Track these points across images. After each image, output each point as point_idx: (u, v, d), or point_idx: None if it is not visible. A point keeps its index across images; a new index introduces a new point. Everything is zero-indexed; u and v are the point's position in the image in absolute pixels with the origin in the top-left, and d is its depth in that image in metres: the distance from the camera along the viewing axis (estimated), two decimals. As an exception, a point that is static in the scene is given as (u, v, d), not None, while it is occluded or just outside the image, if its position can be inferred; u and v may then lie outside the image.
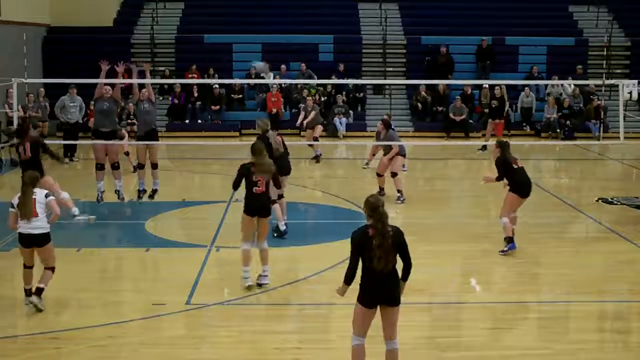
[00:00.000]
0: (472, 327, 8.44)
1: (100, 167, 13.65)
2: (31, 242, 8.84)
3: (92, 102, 13.94)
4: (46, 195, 8.94)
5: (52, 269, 8.96)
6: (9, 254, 11.01)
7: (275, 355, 7.68)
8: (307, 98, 21.47)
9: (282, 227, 11.66)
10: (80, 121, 19.60)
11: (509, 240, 11.18)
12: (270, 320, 8.71)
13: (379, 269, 6.56)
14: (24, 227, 8.80)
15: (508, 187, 11.21)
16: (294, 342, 7.97)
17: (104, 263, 10.62)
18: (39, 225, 8.78)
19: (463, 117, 23.52)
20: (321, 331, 8.29)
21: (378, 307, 6.78)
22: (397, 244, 6.71)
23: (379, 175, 14.59)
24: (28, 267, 9.03)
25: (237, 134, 23.59)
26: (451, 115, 23.64)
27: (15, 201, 8.88)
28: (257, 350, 7.76)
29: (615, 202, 14.45)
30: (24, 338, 8.05)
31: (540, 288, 9.96)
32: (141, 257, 10.92)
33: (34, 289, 8.85)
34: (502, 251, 11.12)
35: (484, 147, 20.87)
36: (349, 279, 6.79)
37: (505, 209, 11.22)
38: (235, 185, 9.55)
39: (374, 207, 6.78)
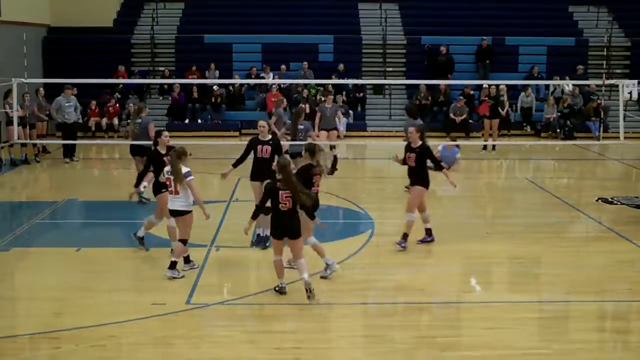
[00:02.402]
0: (472, 327, 8.43)
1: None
2: (173, 212, 9.78)
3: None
4: (186, 175, 9.48)
5: (184, 242, 9.75)
6: (9, 254, 11.02)
7: (275, 355, 7.67)
8: (327, 98, 18.83)
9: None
10: (81, 121, 19.52)
11: (406, 236, 11.18)
12: (270, 320, 8.70)
13: (304, 203, 8.94)
14: (169, 199, 9.77)
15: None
16: (294, 342, 7.97)
17: (104, 263, 10.61)
18: (178, 201, 9.63)
19: (463, 117, 23.52)
20: (321, 331, 8.29)
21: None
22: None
23: None
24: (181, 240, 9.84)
25: (237, 134, 23.59)
26: (451, 115, 23.65)
27: (165, 171, 9.82)
28: (257, 350, 7.75)
29: (615, 202, 14.44)
30: (24, 338, 8.04)
31: (540, 288, 9.95)
32: (141, 257, 10.91)
33: (174, 257, 9.80)
34: (400, 244, 11.14)
35: (484, 147, 20.95)
36: (255, 215, 9.24)
37: (415, 204, 11.23)
38: None
39: (283, 166, 8.97)
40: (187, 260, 10.06)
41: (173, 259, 9.75)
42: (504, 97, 22.82)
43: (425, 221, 11.45)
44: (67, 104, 18.80)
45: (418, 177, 11.20)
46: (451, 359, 7.63)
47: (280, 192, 8.90)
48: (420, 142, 11.20)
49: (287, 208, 8.95)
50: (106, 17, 26.80)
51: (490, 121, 21.16)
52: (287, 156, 9.13)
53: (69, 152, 18.99)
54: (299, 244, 9.10)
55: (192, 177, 9.56)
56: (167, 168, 9.79)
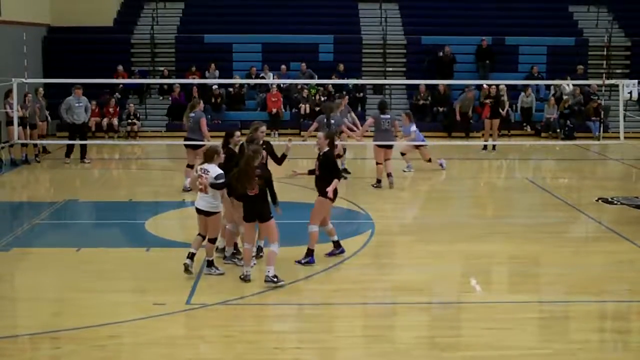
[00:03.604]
0: (472, 327, 8.43)
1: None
2: (199, 211, 9.71)
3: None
4: (217, 177, 9.44)
5: (212, 241, 9.79)
6: (9, 254, 11.02)
7: (275, 355, 7.68)
8: (344, 100, 17.34)
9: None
10: (86, 121, 19.33)
11: (311, 252, 10.30)
12: (270, 320, 8.71)
13: (242, 191, 9.34)
14: (197, 197, 9.75)
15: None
16: (294, 342, 7.97)
17: (104, 263, 10.61)
18: (206, 200, 9.59)
19: (467, 112, 23.42)
20: (321, 331, 8.29)
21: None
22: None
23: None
24: (200, 234, 9.81)
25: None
26: (458, 106, 23.46)
27: (197, 169, 9.88)
28: (257, 350, 7.76)
29: (615, 202, 14.44)
30: (24, 338, 8.05)
31: (540, 288, 9.95)
32: (141, 257, 10.91)
33: (207, 256, 9.86)
34: (302, 262, 10.27)
35: (485, 147, 20.94)
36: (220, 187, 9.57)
37: (319, 216, 10.35)
38: None
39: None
40: (209, 264, 9.86)
41: (208, 258, 9.85)
42: (504, 97, 22.83)
43: (330, 234, 10.65)
44: (77, 104, 18.48)
45: (322, 186, 10.27)
46: (451, 359, 7.63)
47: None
48: (326, 149, 10.32)
49: (255, 193, 9.33)
50: (106, 17, 26.79)
51: (490, 121, 21.14)
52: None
53: (72, 152, 18.78)
54: (270, 227, 9.47)
55: (220, 181, 9.49)
56: (199, 166, 9.81)
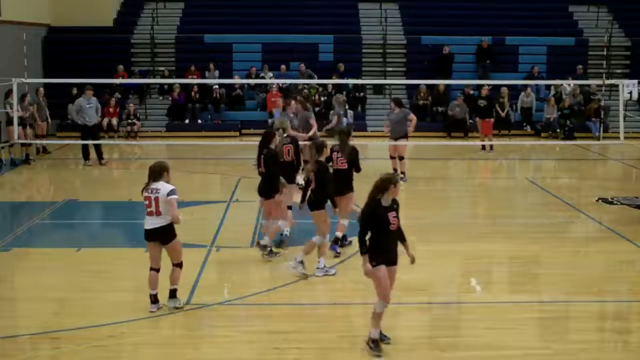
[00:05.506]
0: (472, 327, 8.43)
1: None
2: (153, 236, 8.56)
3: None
4: (169, 193, 8.36)
5: (180, 265, 8.67)
6: (9, 254, 11.02)
7: (275, 355, 7.68)
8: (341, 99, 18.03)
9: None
10: (99, 121, 19.14)
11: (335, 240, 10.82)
12: (270, 320, 8.71)
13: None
14: (147, 221, 8.58)
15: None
16: (294, 342, 7.97)
17: (104, 263, 10.62)
18: (158, 223, 8.47)
19: (464, 117, 23.46)
20: (321, 331, 8.29)
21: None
22: None
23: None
24: (153, 269, 8.67)
25: (237, 134, 23.61)
26: (450, 112, 23.55)
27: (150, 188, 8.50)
28: (257, 350, 7.76)
29: (615, 202, 14.44)
30: (24, 338, 8.05)
31: (540, 288, 9.95)
32: (141, 257, 10.88)
33: (171, 285, 8.69)
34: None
35: (483, 147, 20.93)
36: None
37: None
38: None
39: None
40: (172, 293, 8.78)
41: (172, 287, 8.72)
42: (503, 99, 22.84)
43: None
44: (88, 106, 18.24)
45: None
46: (451, 359, 7.64)
47: None
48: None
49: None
50: (106, 17, 26.79)
51: (482, 121, 21.05)
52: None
53: (88, 154, 18.52)
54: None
55: (174, 196, 8.40)
56: (154, 185, 8.51)
